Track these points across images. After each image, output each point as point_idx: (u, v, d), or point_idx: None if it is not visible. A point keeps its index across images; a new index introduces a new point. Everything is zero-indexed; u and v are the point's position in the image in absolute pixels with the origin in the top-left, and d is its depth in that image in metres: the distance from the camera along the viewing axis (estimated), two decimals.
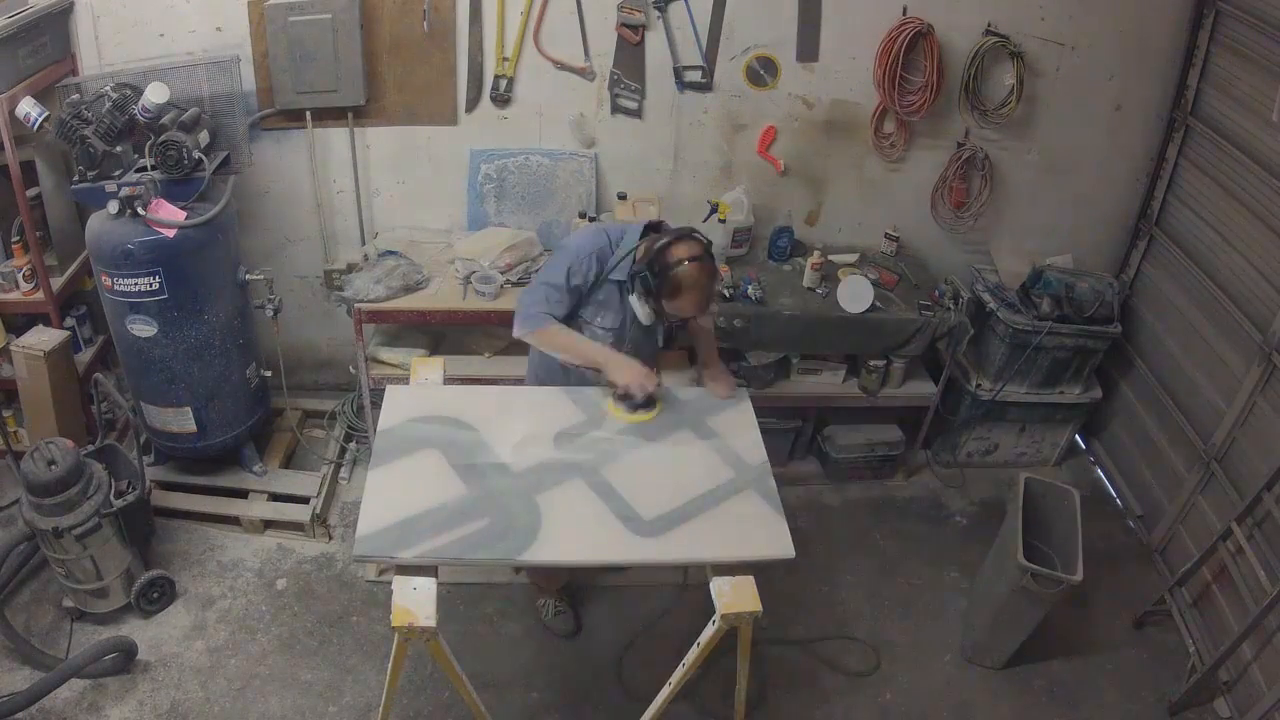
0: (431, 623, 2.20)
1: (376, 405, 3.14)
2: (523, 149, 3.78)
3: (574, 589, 3.49)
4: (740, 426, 2.79)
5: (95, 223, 3.19)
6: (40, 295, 3.51)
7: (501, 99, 3.72)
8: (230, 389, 3.56)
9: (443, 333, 3.85)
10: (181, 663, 3.18)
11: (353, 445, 4.11)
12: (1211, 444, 3.52)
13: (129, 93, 3.19)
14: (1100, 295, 3.82)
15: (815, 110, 3.84)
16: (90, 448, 3.26)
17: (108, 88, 3.19)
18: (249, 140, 3.58)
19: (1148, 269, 4.13)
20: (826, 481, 4.18)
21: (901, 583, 3.74)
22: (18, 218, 3.38)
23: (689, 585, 3.54)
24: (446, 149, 3.80)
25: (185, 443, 3.59)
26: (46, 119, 3.09)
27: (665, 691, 2.59)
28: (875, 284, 3.82)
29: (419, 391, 2.86)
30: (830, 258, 3.90)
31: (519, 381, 3.27)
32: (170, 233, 3.14)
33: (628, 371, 2.68)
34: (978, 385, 4.05)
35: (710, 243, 2.67)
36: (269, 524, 3.71)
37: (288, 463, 3.99)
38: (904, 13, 3.59)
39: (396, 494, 2.42)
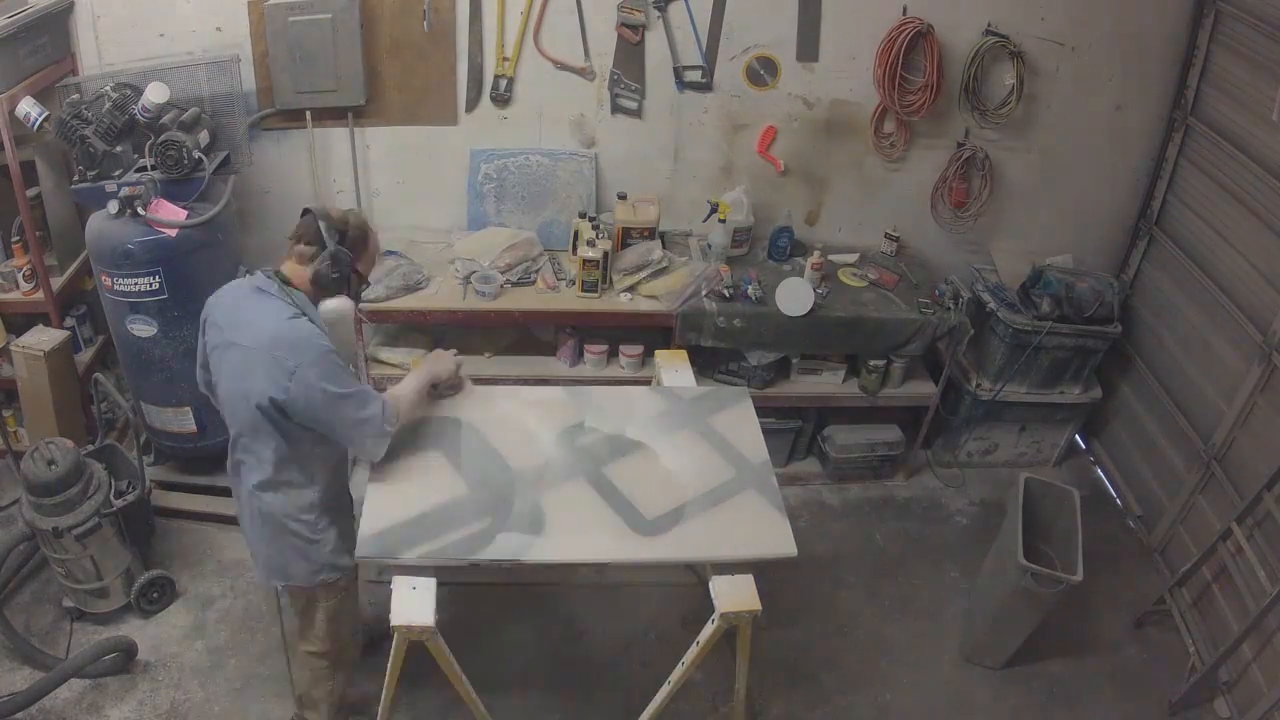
0: (431, 623, 2.20)
1: None
2: (523, 149, 3.78)
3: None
4: (742, 426, 2.79)
5: (95, 223, 3.19)
6: (40, 295, 3.51)
7: (501, 99, 3.72)
8: None
9: (443, 333, 3.85)
10: (181, 663, 3.18)
11: None
12: (1211, 444, 3.52)
13: (129, 93, 3.19)
14: (1100, 295, 3.82)
15: (815, 110, 3.84)
16: (90, 448, 3.26)
17: (108, 88, 3.20)
18: (249, 140, 3.58)
19: (1148, 269, 4.13)
20: (826, 481, 4.18)
21: (901, 583, 3.74)
22: (18, 218, 3.38)
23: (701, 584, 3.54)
24: (446, 149, 3.80)
25: (185, 443, 3.59)
26: (46, 119, 3.09)
27: (665, 690, 2.59)
28: (875, 284, 3.83)
29: None
30: (830, 257, 3.90)
31: (519, 381, 3.28)
32: (170, 232, 3.14)
33: (438, 363, 2.65)
34: (978, 385, 4.05)
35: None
36: None
37: None
38: (904, 13, 3.59)
39: (398, 494, 2.42)
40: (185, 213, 3.19)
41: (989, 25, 3.63)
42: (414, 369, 2.68)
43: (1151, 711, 3.31)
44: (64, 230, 3.58)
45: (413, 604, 2.23)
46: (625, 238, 3.75)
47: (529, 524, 2.39)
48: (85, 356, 3.76)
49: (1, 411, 3.70)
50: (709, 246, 3.86)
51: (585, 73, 3.69)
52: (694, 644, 2.43)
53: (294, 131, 3.71)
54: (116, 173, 3.14)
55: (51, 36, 3.34)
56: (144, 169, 3.19)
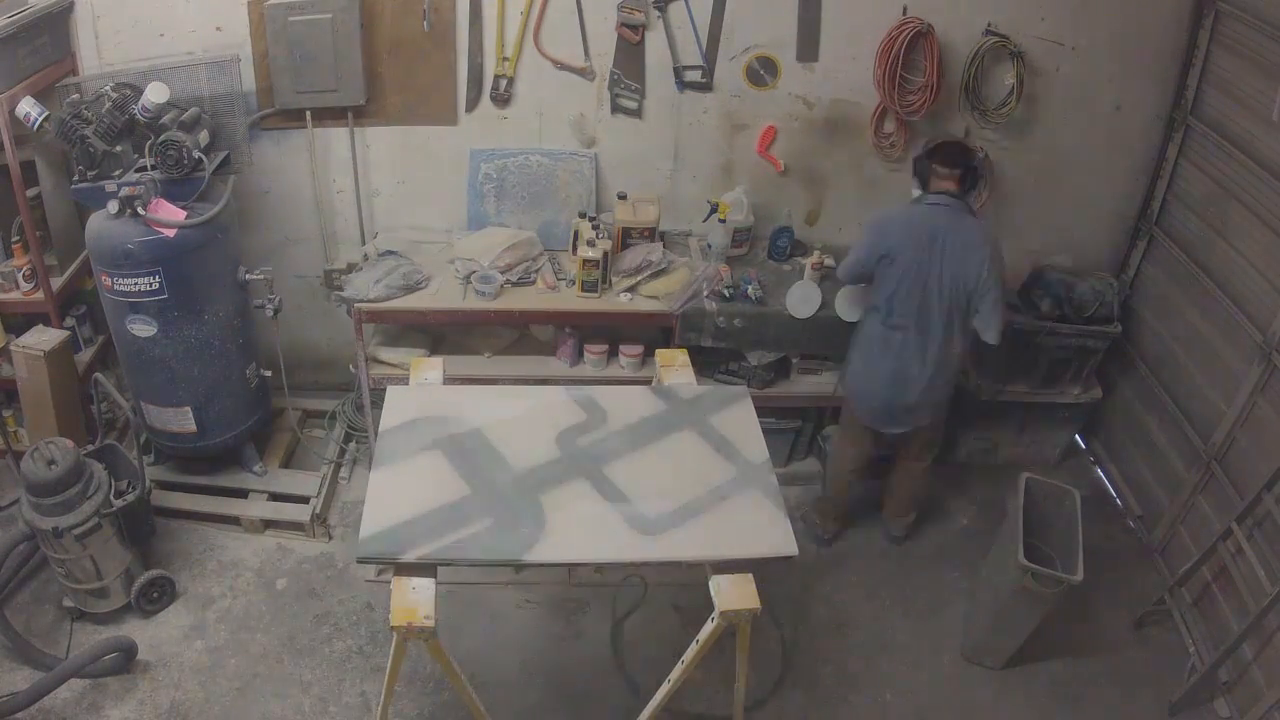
0: (431, 623, 2.20)
1: (376, 405, 3.15)
2: (523, 149, 3.78)
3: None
4: (742, 426, 2.79)
5: (95, 223, 3.19)
6: (40, 295, 3.51)
7: (501, 99, 3.72)
8: (230, 389, 3.56)
9: (443, 333, 3.85)
10: (181, 663, 3.18)
11: (352, 445, 4.11)
12: (1211, 444, 3.52)
13: (129, 92, 3.19)
14: (1100, 295, 3.82)
15: (815, 110, 3.84)
16: (90, 447, 3.26)
17: (108, 87, 3.20)
18: (249, 140, 3.58)
19: (1148, 269, 4.12)
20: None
21: (901, 583, 3.74)
22: (18, 218, 3.38)
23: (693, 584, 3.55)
24: (446, 149, 3.80)
25: (185, 442, 3.59)
26: (46, 119, 3.09)
27: (664, 689, 2.59)
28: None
29: (420, 392, 2.86)
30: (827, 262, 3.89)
31: (519, 381, 3.28)
32: (170, 233, 3.14)
33: None
34: (978, 385, 4.04)
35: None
36: (269, 524, 3.71)
37: (288, 462, 3.99)
38: (904, 13, 3.59)
39: (399, 495, 2.42)
40: (184, 213, 3.19)
41: (989, 25, 3.63)
42: None
43: (1151, 711, 3.31)
44: (64, 230, 3.58)
45: (413, 604, 2.23)
46: (625, 238, 3.75)
47: (529, 524, 2.39)
48: (85, 356, 3.76)
49: (1, 411, 3.71)
50: (709, 246, 3.86)
51: (585, 73, 3.69)
52: (694, 643, 2.43)
53: (294, 131, 3.71)
54: (116, 173, 3.14)
55: (51, 36, 3.34)
56: (144, 169, 3.19)
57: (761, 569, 2.41)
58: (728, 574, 2.37)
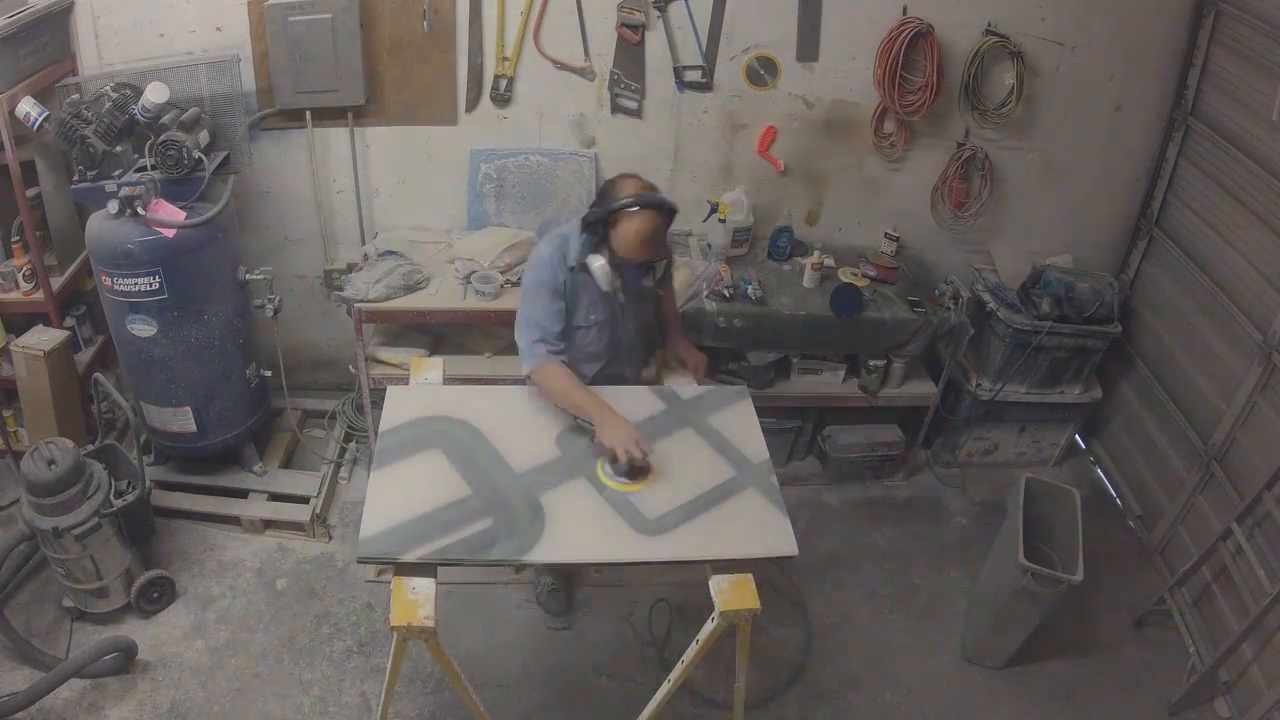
0: (431, 623, 2.20)
1: (376, 405, 3.15)
2: (523, 149, 3.78)
3: (572, 575, 3.52)
4: (742, 425, 2.79)
5: (95, 223, 3.19)
6: (40, 295, 3.51)
7: (501, 99, 3.72)
8: (230, 389, 3.56)
9: (443, 333, 3.85)
10: (181, 663, 3.18)
11: (353, 445, 4.11)
12: (1211, 444, 3.52)
13: (129, 92, 3.19)
14: (1100, 295, 3.82)
15: (815, 110, 3.84)
16: (90, 447, 3.26)
17: (108, 88, 3.20)
18: (249, 140, 3.58)
19: (1148, 269, 4.13)
20: (826, 481, 4.18)
21: (901, 583, 3.74)
22: (18, 218, 3.38)
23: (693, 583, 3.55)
24: (446, 149, 3.80)
25: (185, 442, 3.59)
26: (46, 119, 3.09)
27: (664, 689, 2.59)
28: (872, 279, 3.83)
29: (421, 392, 2.86)
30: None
31: (520, 381, 3.27)
32: (170, 233, 3.14)
33: (616, 432, 2.48)
34: (978, 385, 4.05)
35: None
36: (269, 524, 3.71)
37: (288, 462, 3.99)
38: (904, 12, 3.59)
39: (399, 495, 2.42)
40: (184, 213, 3.19)
41: (989, 25, 3.63)
42: (604, 406, 2.56)
43: (1151, 711, 3.31)
44: (64, 230, 3.58)
45: (412, 604, 2.23)
46: None
47: (529, 524, 2.39)
48: (85, 356, 3.76)
49: (1, 411, 3.70)
50: (709, 246, 3.86)
51: (585, 73, 3.69)
52: (693, 643, 2.43)
53: (294, 131, 3.71)
54: (116, 173, 3.14)
55: (51, 36, 3.34)
56: (144, 169, 3.19)
57: (761, 569, 2.41)
58: (728, 574, 2.37)
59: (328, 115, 3.66)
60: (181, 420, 3.51)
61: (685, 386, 2.97)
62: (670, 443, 2.70)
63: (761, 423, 2.82)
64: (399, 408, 2.72)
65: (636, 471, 2.52)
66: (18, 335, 3.49)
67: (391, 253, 3.69)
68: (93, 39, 3.47)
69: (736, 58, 3.70)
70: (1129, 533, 4.05)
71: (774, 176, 3.97)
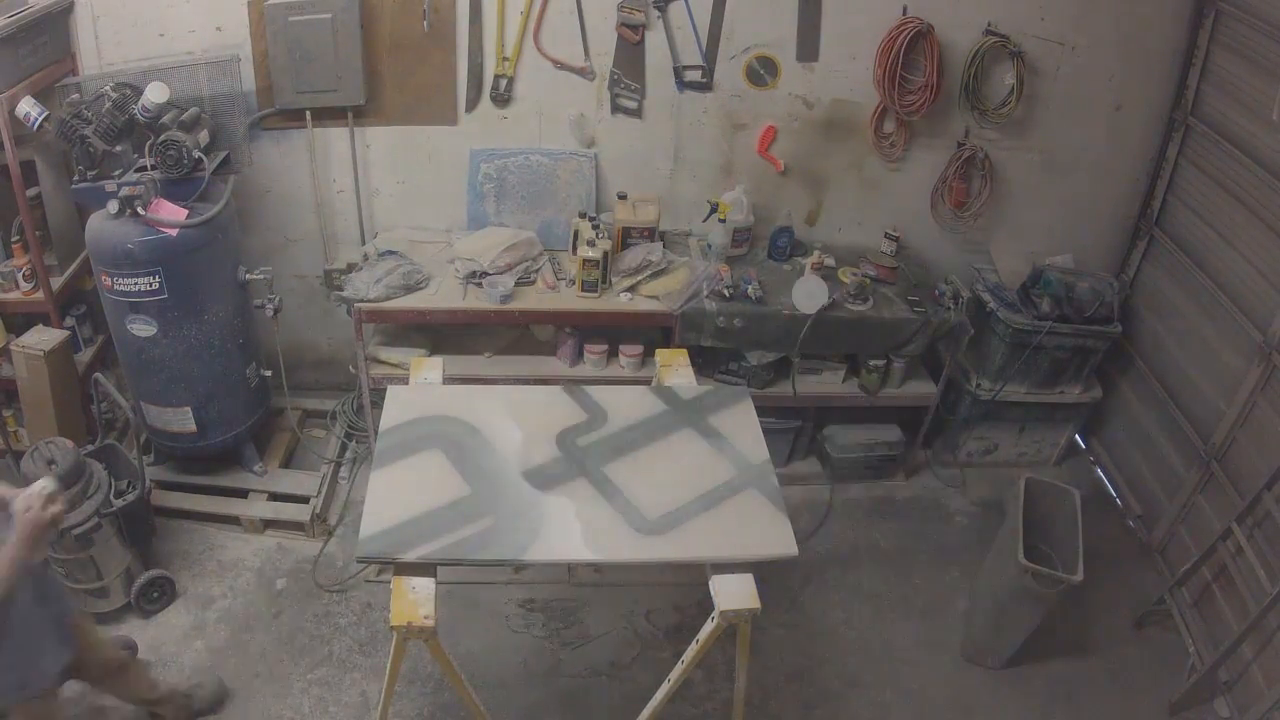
0: (431, 622, 2.20)
1: (376, 405, 3.15)
2: (523, 149, 3.78)
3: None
4: (742, 425, 2.79)
5: (95, 222, 3.19)
6: (40, 295, 3.51)
7: (501, 99, 3.72)
8: (230, 388, 3.56)
9: (443, 332, 3.85)
10: (181, 663, 3.18)
11: (353, 444, 4.11)
12: (1211, 444, 3.52)
13: (129, 92, 3.19)
14: (1100, 295, 3.82)
15: (815, 110, 3.84)
16: (90, 447, 3.26)
17: (108, 87, 3.20)
18: (249, 140, 3.58)
19: (1148, 269, 4.13)
20: (826, 481, 4.18)
21: (901, 583, 3.74)
22: (18, 217, 3.38)
23: (693, 583, 3.55)
24: (446, 149, 3.80)
25: (185, 442, 3.59)
26: (46, 119, 3.09)
27: (663, 689, 2.59)
28: (873, 279, 3.83)
29: (421, 392, 2.86)
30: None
31: (520, 381, 3.28)
32: (170, 232, 3.14)
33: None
34: (978, 385, 4.05)
35: None
36: (269, 524, 3.71)
37: (288, 462, 3.99)
38: (904, 12, 3.59)
39: (399, 495, 2.42)
40: (185, 212, 3.19)
41: (989, 25, 3.63)
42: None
43: (1151, 711, 3.31)
44: (64, 230, 3.58)
45: (412, 604, 2.23)
46: (625, 238, 3.75)
47: (529, 524, 2.39)
48: (85, 356, 3.76)
49: (1, 411, 3.70)
50: (709, 246, 3.86)
51: (585, 73, 3.69)
52: (693, 643, 2.43)
53: (294, 131, 3.71)
54: (116, 173, 3.14)
55: (51, 36, 3.34)
56: (144, 169, 3.19)
57: (761, 569, 2.41)
58: (728, 574, 2.37)
59: (328, 115, 3.66)
60: (181, 420, 3.51)
61: (685, 387, 2.97)
62: (670, 443, 2.70)
63: (761, 423, 2.82)
64: (399, 407, 2.72)
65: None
66: (18, 335, 3.49)
67: (391, 253, 3.69)
68: (93, 39, 3.47)
69: (736, 58, 3.70)
70: (1129, 533, 4.05)
71: (774, 176, 3.97)
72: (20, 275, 3.50)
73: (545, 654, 3.34)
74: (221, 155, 3.40)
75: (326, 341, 4.29)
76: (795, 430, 4.08)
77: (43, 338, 3.47)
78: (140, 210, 3.11)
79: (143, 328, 3.27)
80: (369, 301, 3.48)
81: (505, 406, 2.80)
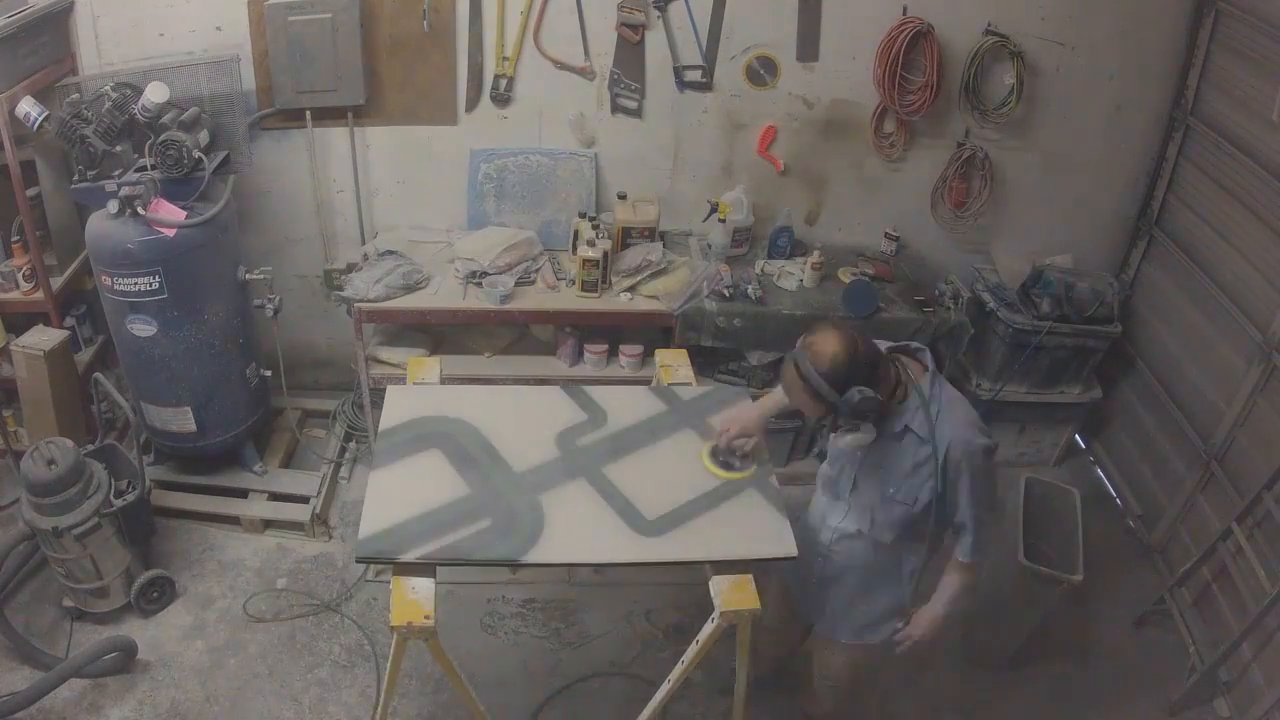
0: (430, 623, 2.20)
1: (376, 405, 3.15)
2: (523, 149, 3.78)
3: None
4: None
5: (95, 222, 3.19)
6: (40, 295, 3.51)
7: (501, 99, 3.72)
8: (230, 388, 3.56)
9: (443, 332, 3.85)
10: (181, 662, 3.18)
11: (353, 444, 4.11)
12: (1211, 444, 3.52)
13: (129, 92, 3.19)
14: (1100, 295, 3.82)
15: (815, 110, 3.84)
16: (90, 447, 3.26)
17: (108, 87, 3.20)
18: (249, 140, 3.58)
19: (1148, 269, 4.12)
20: None
21: None
22: (18, 217, 3.38)
23: (693, 583, 3.55)
24: (446, 149, 3.80)
25: (185, 442, 3.59)
26: (46, 119, 3.09)
27: (663, 689, 2.59)
28: (871, 278, 3.83)
29: (420, 392, 2.85)
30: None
31: (519, 381, 3.28)
32: (170, 232, 3.14)
33: (734, 412, 2.54)
34: (978, 385, 4.04)
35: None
36: (269, 523, 3.71)
37: (288, 462, 3.99)
38: (904, 12, 3.59)
39: (398, 495, 2.42)
40: (185, 212, 3.19)
41: (989, 25, 3.63)
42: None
43: (1151, 711, 3.31)
44: (64, 230, 3.58)
45: (412, 604, 2.23)
46: (625, 237, 3.75)
47: (529, 524, 2.39)
48: (85, 356, 3.76)
49: (1, 411, 3.70)
50: (709, 246, 3.86)
51: (585, 72, 3.69)
52: (694, 643, 2.43)
53: (294, 131, 3.71)
54: (116, 173, 3.14)
55: (51, 36, 3.34)
56: (144, 169, 3.19)
57: (761, 570, 2.41)
58: (728, 574, 2.36)
59: (328, 115, 3.66)
60: (181, 420, 3.51)
61: (685, 387, 2.96)
62: (670, 443, 2.69)
63: None
64: (399, 407, 2.72)
65: (741, 460, 2.58)
66: (18, 335, 3.49)
67: (391, 253, 3.69)
68: (93, 39, 3.47)
69: (736, 57, 3.70)
70: (1129, 533, 4.05)
71: (774, 176, 3.97)
72: (20, 275, 3.50)
73: (545, 654, 3.34)
74: (221, 155, 3.40)
75: (326, 341, 4.29)
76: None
77: (43, 338, 3.47)
78: (140, 210, 3.10)
79: (143, 328, 3.27)
80: (369, 301, 3.48)
81: (505, 406, 2.79)
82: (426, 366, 2.98)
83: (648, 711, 2.68)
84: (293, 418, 4.03)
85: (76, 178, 3.16)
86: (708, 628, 2.36)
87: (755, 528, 2.46)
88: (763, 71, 3.73)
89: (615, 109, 3.77)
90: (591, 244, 3.55)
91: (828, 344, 2.11)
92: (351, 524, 3.72)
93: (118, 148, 3.14)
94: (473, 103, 3.73)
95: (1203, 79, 3.70)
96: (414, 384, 2.90)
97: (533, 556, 2.33)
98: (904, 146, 3.88)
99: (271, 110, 3.63)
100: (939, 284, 3.84)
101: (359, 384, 3.81)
